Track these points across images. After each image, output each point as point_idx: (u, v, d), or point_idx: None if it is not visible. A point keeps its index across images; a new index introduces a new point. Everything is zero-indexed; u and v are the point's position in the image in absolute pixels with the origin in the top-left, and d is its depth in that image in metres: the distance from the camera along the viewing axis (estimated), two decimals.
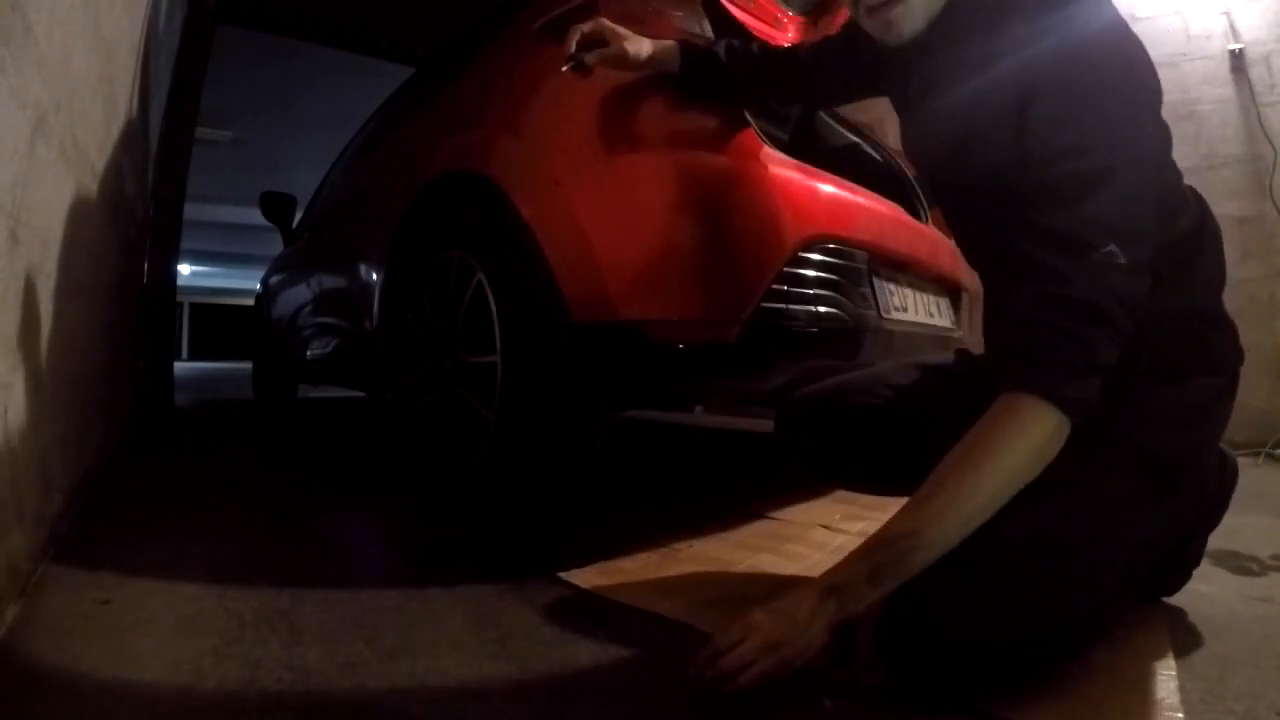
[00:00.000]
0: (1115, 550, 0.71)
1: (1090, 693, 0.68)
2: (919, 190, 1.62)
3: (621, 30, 1.10)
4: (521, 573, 1.03)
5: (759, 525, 1.26)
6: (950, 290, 1.59)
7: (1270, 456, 2.39)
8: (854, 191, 1.24)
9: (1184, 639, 0.82)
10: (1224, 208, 2.61)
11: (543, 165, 1.18)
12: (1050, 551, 0.68)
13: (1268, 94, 2.54)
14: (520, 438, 1.19)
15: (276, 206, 3.20)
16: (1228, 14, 2.61)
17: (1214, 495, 0.92)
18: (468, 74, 1.61)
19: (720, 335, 1.10)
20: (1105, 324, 0.64)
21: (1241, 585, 1.03)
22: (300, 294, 2.67)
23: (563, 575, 1.01)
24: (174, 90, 2.99)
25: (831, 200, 1.16)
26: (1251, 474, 2.16)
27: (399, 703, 0.64)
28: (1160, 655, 0.77)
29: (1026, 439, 0.66)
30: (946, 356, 1.00)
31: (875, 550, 0.67)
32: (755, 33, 1.31)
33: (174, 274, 3.09)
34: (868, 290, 1.20)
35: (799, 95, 1.24)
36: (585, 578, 1.01)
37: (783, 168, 1.10)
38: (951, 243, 1.15)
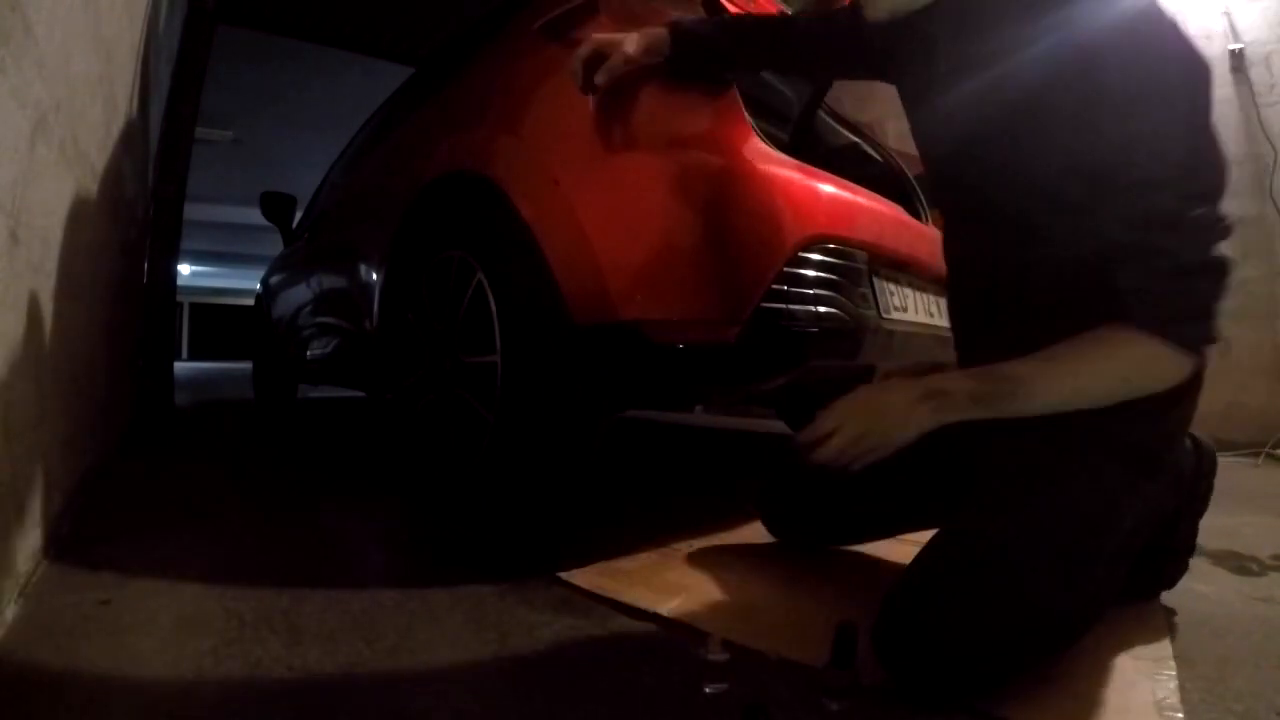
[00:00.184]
0: (1100, 538, 0.72)
1: (1090, 692, 0.68)
2: (919, 190, 1.62)
3: (613, 36, 1.09)
4: (521, 573, 1.03)
5: (759, 525, 1.25)
6: None
7: (1270, 456, 2.39)
8: (854, 191, 1.24)
9: (1184, 639, 0.82)
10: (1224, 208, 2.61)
11: (543, 165, 1.18)
12: (1038, 543, 0.69)
13: (1268, 94, 2.54)
14: (520, 438, 1.19)
15: (276, 206, 3.20)
16: (1228, 14, 2.61)
17: (1192, 480, 0.93)
18: (468, 74, 1.61)
19: (720, 335, 1.10)
20: (1212, 273, 0.68)
21: (1241, 585, 1.03)
22: (300, 294, 2.68)
23: (563, 575, 1.01)
24: (174, 90, 2.99)
25: (832, 200, 1.16)
26: (1251, 474, 2.16)
27: (399, 702, 0.64)
28: (1160, 655, 0.77)
29: (1144, 367, 0.70)
30: None
31: (986, 377, 0.74)
32: None
33: (174, 274, 3.09)
34: (868, 290, 1.20)
35: (793, 65, 1.24)
36: (585, 578, 1.01)
37: (783, 168, 1.10)
38: None
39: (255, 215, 3.59)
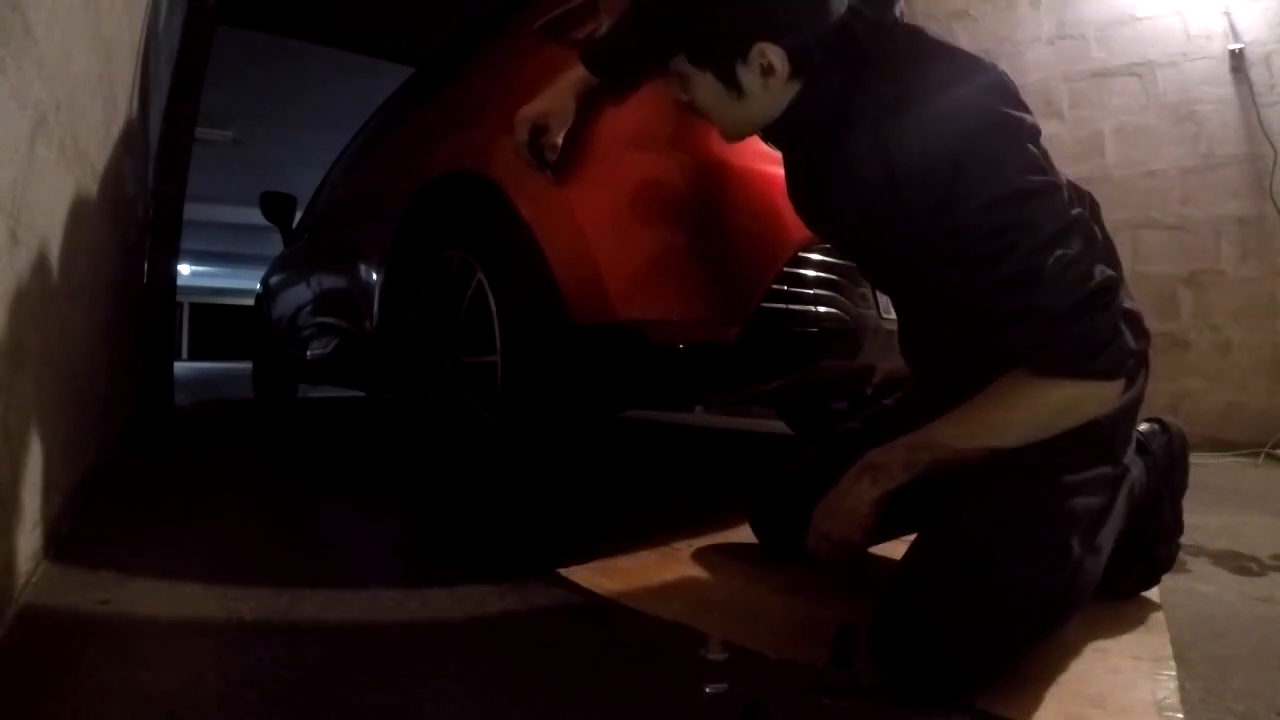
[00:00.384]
0: (1070, 517, 0.73)
1: (1090, 692, 0.68)
2: None
3: (537, 106, 1.08)
4: (521, 573, 1.03)
5: None
6: None
7: (1270, 456, 2.39)
8: None
9: (1184, 639, 0.82)
10: (1224, 208, 2.61)
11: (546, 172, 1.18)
12: (1009, 527, 0.71)
13: (1268, 94, 2.53)
14: (520, 438, 1.19)
15: (276, 206, 3.20)
16: (1228, 14, 2.61)
17: (1167, 462, 0.97)
18: (468, 74, 1.61)
19: (720, 335, 1.10)
20: (1090, 308, 0.71)
21: (1241, 585, 1.03)
22: (300, 294, 2.67)
23: (563, 574, 1.01)
24: (174, 90, 2.99)
25: None
26: (1251, 474, 2.16)
27: (399, 702, 0.64)
28: (1160, 655, 0.77)
29: (1070, 405, 0.75)
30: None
31: (915, 447, 0.80)
32: None
33: (174, 274, 3.09)
34: (867, 290, 1.20)
35: None
36: (585, 577, 1.01)
37: (783, 167, 1.10)
38: None
39: (255, 215, 3.58)
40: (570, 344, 1.14)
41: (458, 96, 1.60)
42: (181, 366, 5.69)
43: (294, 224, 3.22)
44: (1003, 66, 0.79)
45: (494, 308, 1.24)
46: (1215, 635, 0.83)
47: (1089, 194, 0.88)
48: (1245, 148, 2.57)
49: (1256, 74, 2.55)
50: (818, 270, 1.15)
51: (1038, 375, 0.74)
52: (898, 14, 0.93)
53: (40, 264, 0.90)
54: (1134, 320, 0.80)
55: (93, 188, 1.28)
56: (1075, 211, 0.74)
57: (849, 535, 0.82)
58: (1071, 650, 0.77)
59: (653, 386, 1.26)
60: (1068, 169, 0.85)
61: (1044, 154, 0.77)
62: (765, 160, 1.09)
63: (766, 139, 0.93)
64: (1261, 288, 2.55)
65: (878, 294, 1.22)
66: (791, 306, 1.13)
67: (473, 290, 1.30)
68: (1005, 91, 0.76)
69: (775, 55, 0.80)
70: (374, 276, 1.78)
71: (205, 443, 2.49)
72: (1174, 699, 0.66)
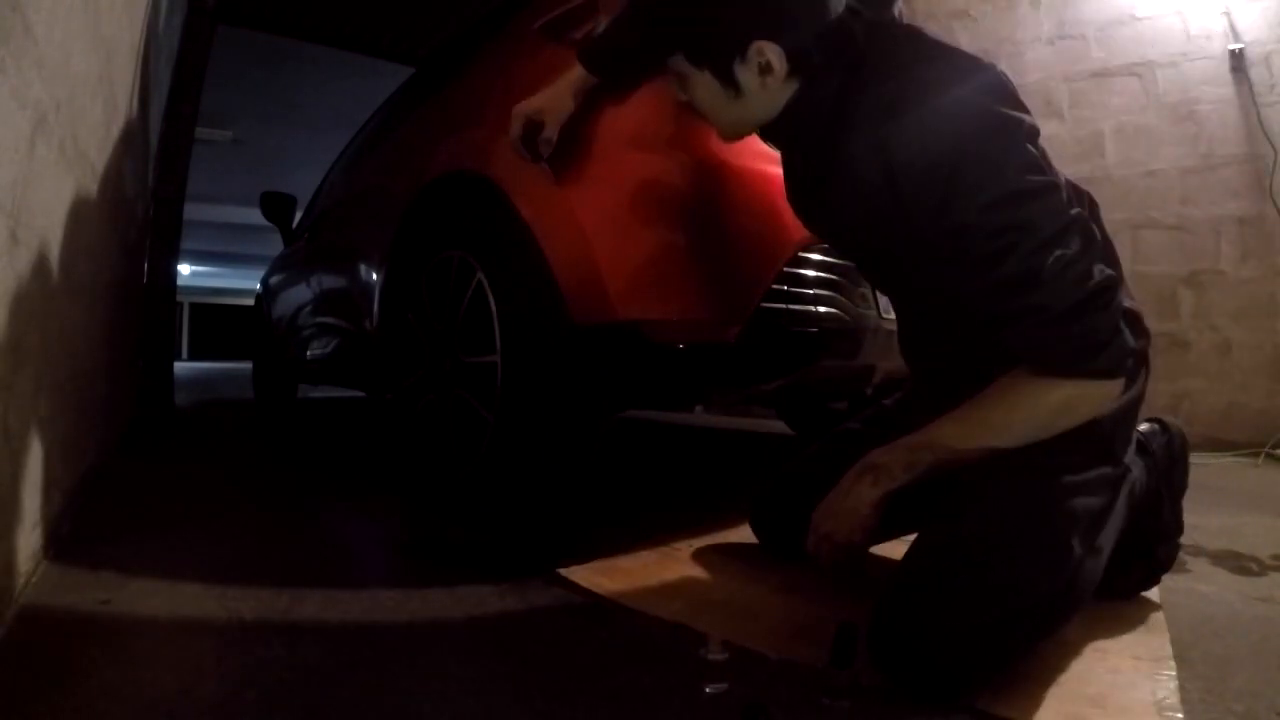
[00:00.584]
0: (1071, 517, 0.73)
1: (1090, 692, 0.68)
2: None
3: (535, 102, 1.08)
4: (521, 573, 1.03)
5: None
6: None
7: (1270, 456, 2.39)
8: None
9: (1184, 639, 0.82)
10: (1224, 208, 2.61)
11: (543, 165, 1.18)
12: (1010, 528, 0.71)
13: (1268, 94, 2.53)
14: (520, 438, 1.19)
15: (276, 206, 3.20)
16: (1228, 14, 2.61)
17: (1167, 462, 0.97)
18: (468, 74, 1.61)
19: (720, 335, 1.10)
20: (1089, 307, 0.71)
21: (1241, 585, 1.03)
22: (300, 294, 2.67)
23: (563, 574, 1.01)
24: (174, 90, 2.99)
25: None
26: (1251, 474, 2.16)
27: (399, 702, 0.64)
28: (1160, 655, 0.77)
29: (1069, 405, 0.75)
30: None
31: (915, 447, 0.80)
32: None
33: (174, 274, 3.09)
34: (867, 290, 1.20)
35: None
36: (585, 577, 1.01)
37: (781, 167, 1.10)
38: None
39: (255, 215, 3.58)
40: (570, 344, 1.14)
41: (458, 96, 1.60)
42: (181, 366, 5.69)
43: (294, 224, 3.22)
44: (1003, 66, 0.79)
45: (494, 308, 1.24)
46: (1215, 635, 0.83)
47: (1088, 194, 0.88)
48: (1245, 148, 2.57)
49: (1256, 74, 2.55)
50: (818, 270, 1.15)
51: (1038, 375, 0.74)
52: (897, 13, 0.93)
53: (40, 264, 0.90)
54: (1134, 319, 0.80)
55: (93, 188, 1.28)
56: (1074, 211, 0.74)
57: (850, 536, 0.82)
58: (1071, 650, 0.77)
59: (653, 386, 1.26)
60: (1068, 169, 0.85)
61: (1043, 154, 0.77)
62: (765, 160, 1.09)
63: (765, 139, 0.93)
64: (1261, 288, 2.55)
65: (878, 294, 1.22)
66: (791, 306, 1.13)
67: (473, 290, 1.30)
68: (1004, 92, 0.76)
69: (773, 54, 0.80)
70: (374, 276, 1.78)
71: (205, 443, 2.49)
72: (1174, 699, 0.66)
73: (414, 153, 1.67)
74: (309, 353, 2.57)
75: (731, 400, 3.14)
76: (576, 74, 1.08)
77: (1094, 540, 0.74)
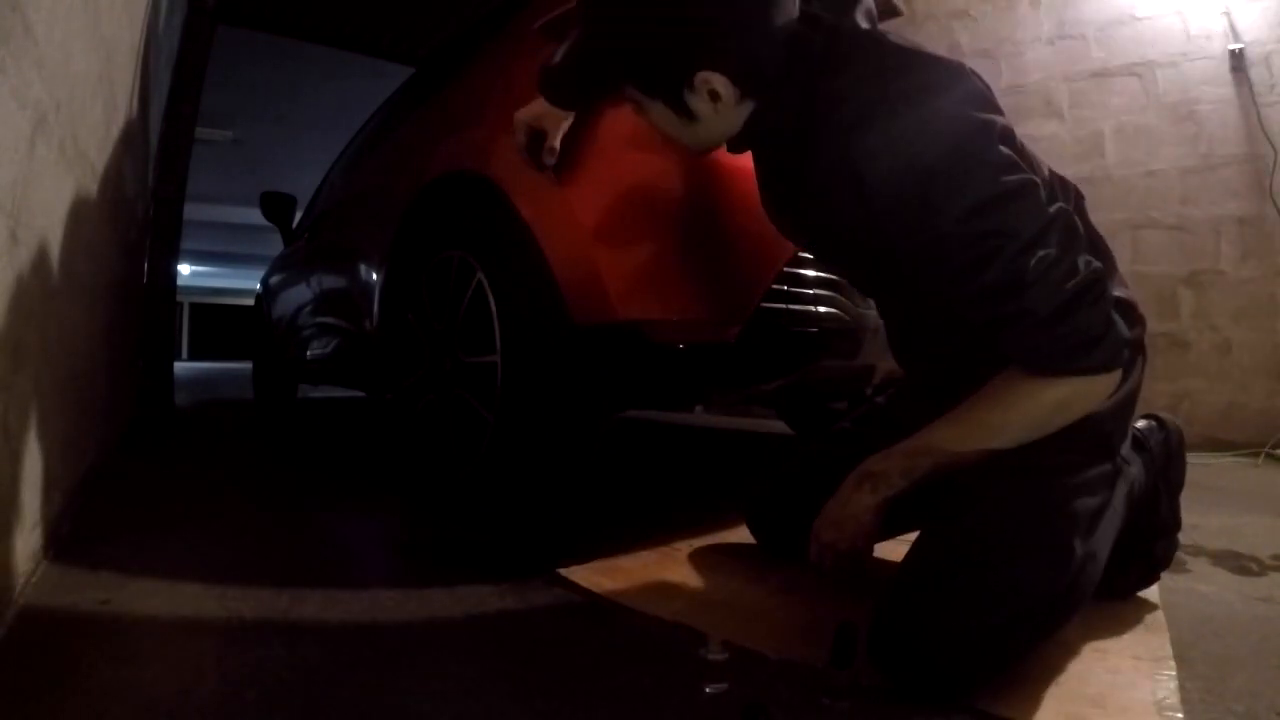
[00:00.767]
0: (1071, 517, 0.73)
1: (1090, 692, 0.68)
2: None
3: (535, 109, 1.06)
4: (521, 573, 1.03)
5: None
6: None
7: (1270, 456, 2.39)
8: None
9: (1184, 639, 0.82)
10: (1224, 208, 2.61)
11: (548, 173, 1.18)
12: (1010, 529, 0.71)
13: (1268, 94, 2.53)
14: (520, 438, 1.19)
15: (276, 206, 3.20)
16: (1228, 14, 2.61)
17: (1164, 458, 0.96)
18: (468, 74, 1.61)
19: (720, 335, 1.10)
20: (1078, 305, 0.70)
21: (1241, 585, 1.03)
22: (300, 294, 2.67)
23: (563, 574, 1.01)
24: (174, 90, 2.99)
25: None
26: (1251, 474, 2.16)
27: (399, 702, 0.64)
28: (1160, 655, 0.77)
29: (1066, 402, 0.74)
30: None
31: (913, 452, 0.80)
32: None
33: (174, 274, 3.09)
34: None
35: None
36: (585, 577, 1.01)
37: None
38: None
39: (255, 215, 3.58)
40: (570, 344, 1.14)
41: (458, 96, 1.60)
42: (181, 366, 5.69)
43: (294, 224, 3.22)
44: (1002, 66, 0.78)
45: (494, 308, 1.24)
46: (1215, 635, 0.83)
47: (1074, 186, 0.87)
48: (1245, 148, 2.57)
49: (1256, 74, 2.55)
50: (817, 270, 1.16)
51: (1033, 374, 0.74)
52: (865, 14, 0.92)
53: (40, 264, 0.90)
54: (1127, 308, 0.79)
55: (93, 188, 1.28)
56: (1055, 208, 0.73)
57: (852, 544, 0.81)
58: (1071, 650, 0.77)
59: (653, 386, 1.26)
60: (1068, 169, 0.85)
61: (1020, 151, 0.76)
62: None
63: (733, 152, 0.91)
64: (1261, 288, 2.55)
65: None
66: (791, 306, 1.13)
67: (473, 290, 1.30)
68: (972, 95, 0.75)
69: (719, 82, 0.78)
70: (374, 276, 1.78)
71: (205, 443, 2.49)
72: (1174, 699, 0.66)
73: (414, 153, 1.67)
74: (309, 353, 2.57)
75: (731, 400, 3.14)
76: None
77: (1094, 540, 0.74)
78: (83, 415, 1.33)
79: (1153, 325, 0.88)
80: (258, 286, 3.60)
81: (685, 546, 1.19)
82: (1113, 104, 2.86)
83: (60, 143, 0.97)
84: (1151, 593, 0.96)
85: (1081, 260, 0.72)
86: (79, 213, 1.14)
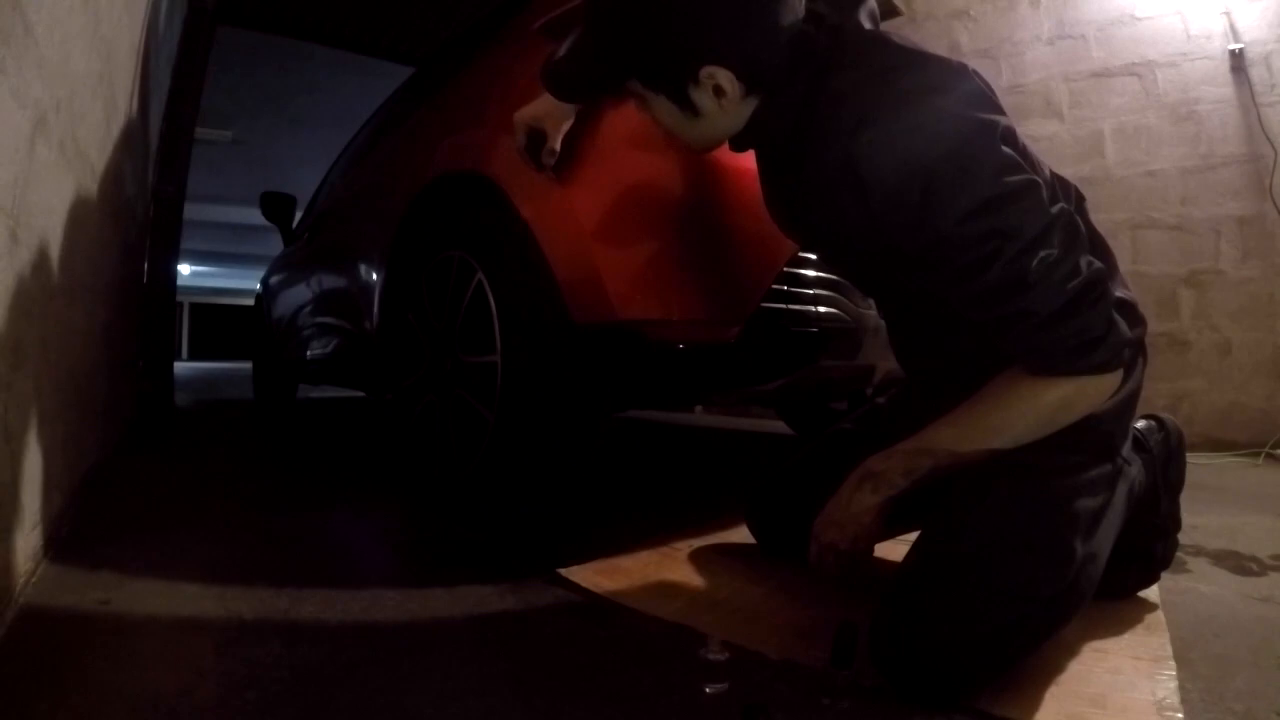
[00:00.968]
0: (1073, 518, 0.73)
1: (1090, 692, 0.68)
2: None
3: (538, 107, 1.06)
4: (521, 573, 1.03)
5: None
6: None
7: (1270, 456, 2.39)
8: None
9: (1184, 639, 0.82)
10: (1224, 208, 2.61)
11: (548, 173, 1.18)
12: (1011, 529, 0.71)
13: (1268, 94, 2.53)
14: (520, 438, 1.19)
15: (276, 206, 3.20)
16: (1228, 14, 2.61)
17: (1164, 458, 0.96)
18: (468, 74, 1.61)
19: (720, 335, 1.10)
20: (1080, 305, 0.70)
21: (1241, 585, 1.03)
22: (300, 294, 2.67)
23: (563, 574, 1.01)
24: (174, 90, 2.99)
25: None
26: (1251, 474, 2.16)
27: (399, 702, 0.64)
28: (1160, 655, 0.77)
29: (1068, 402, 0.74)
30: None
31: (914, 453, 0.80)
32: None
33: (174, 274, 3.09)
34: None
35: None
36: (585, 577, 1.01)
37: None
38: None
39: (255, 215, 3.58)
40: (570, 344, 1.14)
41: (458, 96, 1.60)
42: (181, 366, 5.69)
43: (294, 224, 3.23)
44: (1003, 66, 0.78)
45: (494, 308, 1.24)
46: (1215, 635, 0.83)
47: (1075, 186, 0.87)
48: (1245, 148, 2.58)
49: (1256, 74, 2.55)
50: (818, 270, 1.16)
51: (1034, 374, 0.74)
52: (868, 14, 0.92)
53: (40, 264, 0.90)
54: (1128, 309, 0.79)
55: (93, 188, 1.28)
56: (1056, 208, 0.73)
57: (853, 545, 0.81)
58: (1071, 650, 0.77)
59: (653, 386, 1.26)
60: (1068, 169, 0.85)
61: (1022, 151, 0.76)
62: None
63: (735, 150, 0.91)
64: (1261, 288, 2.55)
65: None
66: (791, 306, 1.13)
67: (473, 290, 1.30)
68: (974, 96, 0.74)
69: (723, 78, 0.78)
70: (374, 276, 1.78)
71: (205, 443, 2.49)
72: (1174, 699, 0.66)
73: (414, 153, 1.67)
74: (309, 353, 2.57)
75: (731, 400, 3.14)
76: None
77: (1095, 541, 0.74)
78: (83, 415, 1.33)
79: (1153, 325, 0.88)
80: (258, 286, 3.60)
81: (685, 546, 1.19)
82: (1113, 104, 2.86)
83: (60, 143, 0.97)
84: (1151, 593, 0.96)
85: (1083, 261, 0.72)
86: (79, 213, 1.14)
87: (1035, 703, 0.66)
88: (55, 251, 0.99)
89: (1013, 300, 0.71)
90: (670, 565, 1.09)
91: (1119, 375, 0.75)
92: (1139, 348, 0.83)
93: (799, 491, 1.04)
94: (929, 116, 0.72)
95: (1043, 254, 0.69)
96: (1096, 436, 0.79)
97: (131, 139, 1.83)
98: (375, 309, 1.72)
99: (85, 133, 1.17)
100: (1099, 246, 0.82)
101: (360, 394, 3.45)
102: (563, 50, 0.90)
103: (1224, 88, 2.62)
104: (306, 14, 4.69)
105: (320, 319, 2.42)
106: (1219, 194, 2.63)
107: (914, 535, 0.80)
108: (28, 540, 0.88)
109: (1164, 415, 1.01)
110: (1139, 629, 0.85)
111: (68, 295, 1.10)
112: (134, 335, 2.56)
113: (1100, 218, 0.88)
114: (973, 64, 0.79)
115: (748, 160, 1.03)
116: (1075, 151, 2.90)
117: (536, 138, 1.07)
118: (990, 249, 0.70)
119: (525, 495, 1.24)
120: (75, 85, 1.04)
